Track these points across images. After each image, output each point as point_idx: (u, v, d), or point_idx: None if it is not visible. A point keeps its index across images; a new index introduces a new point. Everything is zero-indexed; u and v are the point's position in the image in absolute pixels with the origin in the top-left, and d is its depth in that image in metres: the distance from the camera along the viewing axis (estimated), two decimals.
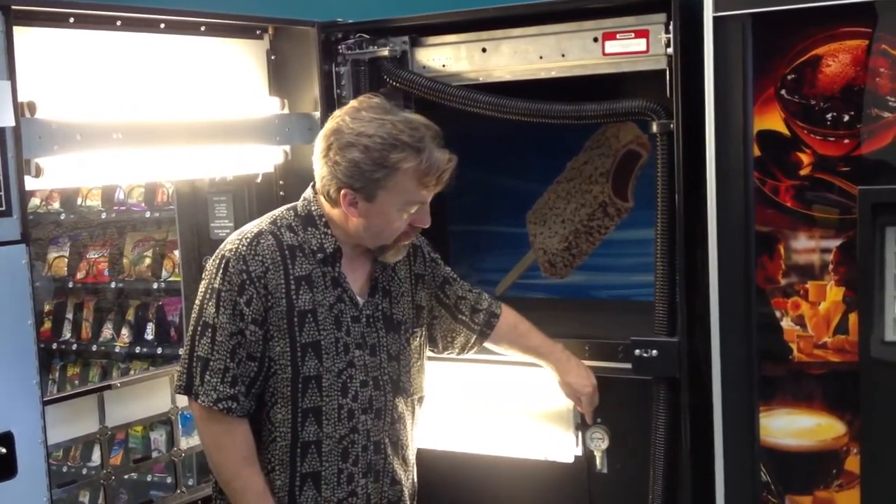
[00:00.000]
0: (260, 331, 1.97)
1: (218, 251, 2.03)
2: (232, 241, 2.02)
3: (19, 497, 1.90)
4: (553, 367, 2.36)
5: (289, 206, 2.11)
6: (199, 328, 1.99)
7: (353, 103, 2.03)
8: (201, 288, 2.03)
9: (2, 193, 1.87)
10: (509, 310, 2.37)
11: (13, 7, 1.91)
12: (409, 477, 2.20)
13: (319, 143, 2.00)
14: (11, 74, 1.88)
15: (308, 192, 2.08)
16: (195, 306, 2.02)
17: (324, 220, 2.04)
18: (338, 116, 2.00)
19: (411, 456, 2.21)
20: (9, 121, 1.88)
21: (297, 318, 1.98)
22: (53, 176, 2.04)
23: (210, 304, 1.98)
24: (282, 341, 1.98)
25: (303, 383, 1.99)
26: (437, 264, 2.28)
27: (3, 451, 1.85)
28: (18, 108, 1.91)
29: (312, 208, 2.05)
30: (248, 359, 1.97)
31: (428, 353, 2.29)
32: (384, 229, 2.01)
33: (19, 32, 1.93)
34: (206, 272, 2.03)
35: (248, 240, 2.00)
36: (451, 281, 2.30)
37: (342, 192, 1.96)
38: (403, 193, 1.97)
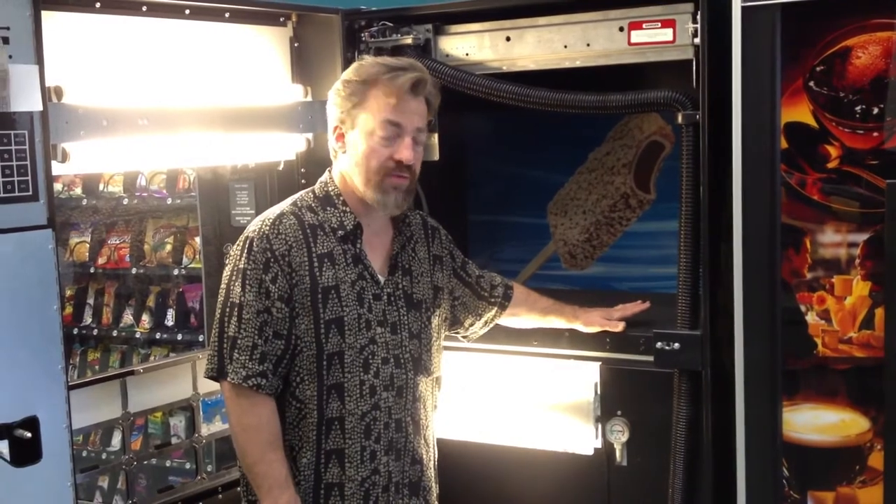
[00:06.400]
0: (286, 308, 2.00)
1: (241, 236, 2.07)
2: (254, 224, 2.08)
3: (44, 481, 1.91)
4: (572, 315, 2.47)
5: (307, 189, 2.17)
6: (227, 309, 2.02)
7: None
8: (225, 273, 2.05)
9: (28, 178, 1.88)
10: (517, 283, 2.50)
11: None
12: (430, 457, 2.22)
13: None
14: (39, 59, 1.89)
15: (324, 176, 2.16)
16: (220, 291, 2.05)
17: (341, 198, 2.10)
18: None
19: (432, 437, 2.23)
20: (37, 105, 1.88)
21: (320, 295, 2.02)
22: (79, 161, 2.05)
23: (236, 284, 2.01)
24: (306, 318, 2.01)
25: (327, 360, 2.02)
26: (454, 246, 2.35)
27: (29, 435, 1.86)
28: (46, 93, 1.91)
29: (330, 188, 2.12)
30: (274, 337, 2.00)
31: (451, 336, 2.35)
32: (368, 158, 2.03)
33: (47, 17, 1.93)
34: (230, 257, 2.07)
35: (271, 221, 2.05)
36: (468, 262, 2.39)
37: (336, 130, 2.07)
38: (376, 112, 2.02)
